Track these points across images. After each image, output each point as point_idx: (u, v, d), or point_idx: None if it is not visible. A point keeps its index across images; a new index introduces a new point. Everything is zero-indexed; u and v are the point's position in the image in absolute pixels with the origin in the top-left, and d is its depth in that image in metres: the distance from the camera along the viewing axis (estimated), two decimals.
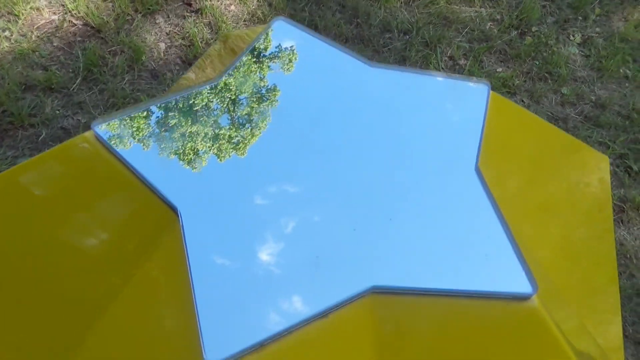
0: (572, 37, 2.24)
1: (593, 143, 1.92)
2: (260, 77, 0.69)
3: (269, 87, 0.66)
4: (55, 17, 2.07)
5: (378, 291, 0.51)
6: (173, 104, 0.64)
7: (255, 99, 0.64)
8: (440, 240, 0.58)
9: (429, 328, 0.52)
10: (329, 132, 0.64)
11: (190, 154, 0.58)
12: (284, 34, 0.74)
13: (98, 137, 0.62)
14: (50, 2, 2.10)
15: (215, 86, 0.65)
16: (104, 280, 0.53)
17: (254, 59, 0.70)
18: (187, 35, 2.07)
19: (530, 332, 0.50)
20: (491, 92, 0.74)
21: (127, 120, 0.61)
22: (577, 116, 1.99)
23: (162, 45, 2.05)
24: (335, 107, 0.68)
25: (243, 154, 0.59)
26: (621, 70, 2.13)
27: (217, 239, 0.53)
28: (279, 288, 0.51)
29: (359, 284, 0.50)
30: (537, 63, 2.13)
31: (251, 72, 0.69)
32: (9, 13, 2.04)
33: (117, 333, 0.50)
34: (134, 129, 0.61)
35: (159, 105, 0.65)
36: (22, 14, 2.03)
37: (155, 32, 2.08)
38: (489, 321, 0.53)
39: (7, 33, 1.99)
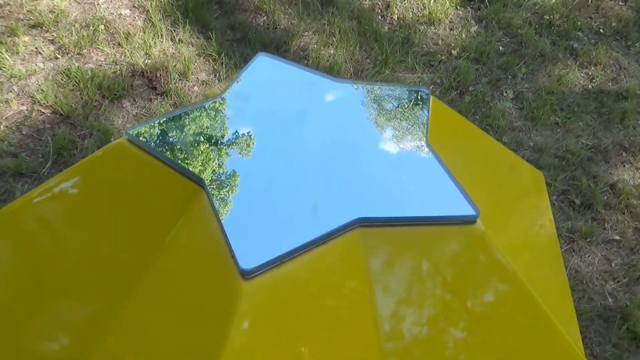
0: (505, 94, 2.49)
1: None
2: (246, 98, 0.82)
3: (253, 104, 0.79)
4: (23, 107, 2.16)
5: (363, 223, 0.63)
6: (192, 113, 0.76)
7: (246, 113, 0.78)
8: (398, 182, 0.71)
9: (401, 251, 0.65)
10: (307, 130, 0.77)
11: (208, 145, 0.70)
12: (266, 66, 0.88)
13: (130, 139, 0.71)
14: (18, 95, 2.20)
15: (215, 102, 0.77)
16: (141, 245, 0.61)
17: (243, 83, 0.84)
18: (153, 115, 2.19)
19: (477, 251, 0.63)
20: (432, 97, 0.89)
21: (154, 125, 0.72)
22: None
23: (130, 127, 2.15)
24: (310, 112, 0.81)
25: (247, 150, 0.71)
26: (551, 118, 2.37)
27: (237, 196, 0.64)
28: (288, 219, 0.62)
29: (348, 217, 0.62)
30: (478, 117, 2.35)
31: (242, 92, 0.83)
32: None
33: (164, 283, 0.57)
34: (160, 131, 0.71)
35: (179, 114, 0.76)
36: None
37: (123, 115, 2.20)
38: (446, 243, 0.64)
39: None
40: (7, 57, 2.30)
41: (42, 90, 2.20)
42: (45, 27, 2.48)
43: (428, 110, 0.79)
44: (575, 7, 3.00)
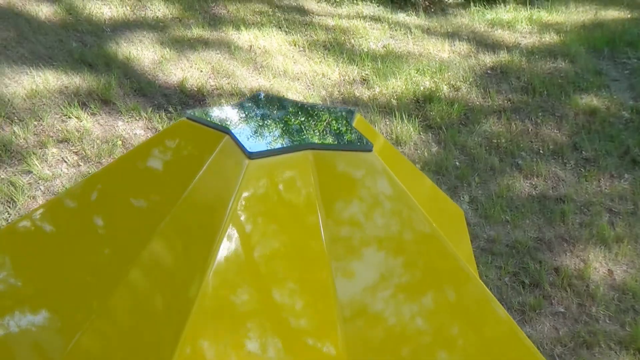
0: (462, 198, 2.91)
1: (491, 267, 2.40)
2: None
3: None
4: None
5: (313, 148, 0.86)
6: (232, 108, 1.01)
7: None
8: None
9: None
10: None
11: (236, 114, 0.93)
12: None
13: (188, 117, 0.95)
14: (44, 193, 2.56)
15: None
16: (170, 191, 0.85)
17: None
18: None
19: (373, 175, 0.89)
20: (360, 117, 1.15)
21: (210, 109, 0.96)
22: (475, 249, 2.51)
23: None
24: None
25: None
26: (502, 217, 2.76)
27: (251, 135, 0.86)
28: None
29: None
30: None
31: None
32: (7, 200, 2.46)
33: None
34: (208, 112, 0.95)
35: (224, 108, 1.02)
36: (20, 201, 2.46)
37: None
38: (351, 166, 0.89)
39: (5, 215, 2.37)
40: (37, 163, 2.71)
41: (65, 189, 2.56)
42: (72, 142, 2.94)
43: (352, 121, 1.08)
44: (518, 134, 3.58)
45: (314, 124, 1.01)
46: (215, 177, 0.84)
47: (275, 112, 1.05)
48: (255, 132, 0.92)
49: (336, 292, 0.80)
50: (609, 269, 2.44)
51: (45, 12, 4.54)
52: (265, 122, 0.98)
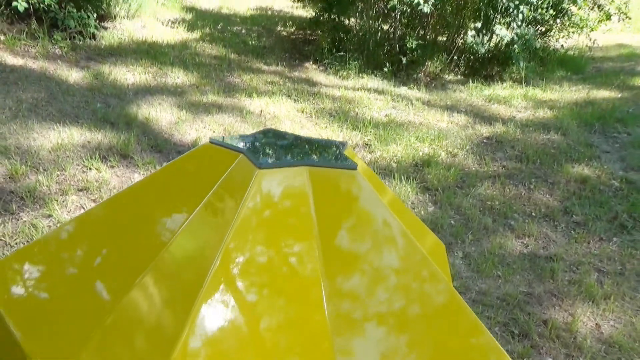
0: (455, 254, 3.04)
1: (482, 317, 2.49)
2: None
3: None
4: None
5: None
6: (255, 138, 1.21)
7: None
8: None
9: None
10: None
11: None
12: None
13: (211, 141, 1.14)
14: None
15: None
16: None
17: None
18: None
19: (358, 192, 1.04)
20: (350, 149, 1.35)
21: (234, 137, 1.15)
22: (467, 300, 2.61)
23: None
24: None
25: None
26: (493, 272, 2.87)
27: (260, 155, 1.04)
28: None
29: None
30: None
31: None
32: (27, 241, 2.63)
33: None
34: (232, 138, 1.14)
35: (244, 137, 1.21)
36: None
37: None
38: (337, 179, 1.07)
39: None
40: (57, 208, 2.91)
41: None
42: (90, 190, 3.15)
43: (343, 150, 1.29)
44: (512, 197, 3.76)
45: (311, 149, 1.21)
46: (233, 182, 1.03)
47: (280, 141, 1.26)
48: (264, 153, 1.12)
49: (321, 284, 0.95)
50: (596, 323, 2.52)
51: (74, 76, 4.95)
52: (272, 147, 1.18)
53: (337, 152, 1.19)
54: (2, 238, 2.61)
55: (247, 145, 1.14)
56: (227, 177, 1.02)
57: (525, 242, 3.22)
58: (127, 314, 0.99)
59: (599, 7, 7.67)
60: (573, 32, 7.66)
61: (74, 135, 3.73)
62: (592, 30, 7.67)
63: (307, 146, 1.22)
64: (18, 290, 1.03)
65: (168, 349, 0.82)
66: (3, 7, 5.49)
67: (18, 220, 2.78)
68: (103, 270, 1.09)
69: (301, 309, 0.89)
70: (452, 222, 3.37)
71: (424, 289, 1.03)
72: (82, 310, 1.04)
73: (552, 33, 7.71)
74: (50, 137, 3.66)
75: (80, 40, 5.84)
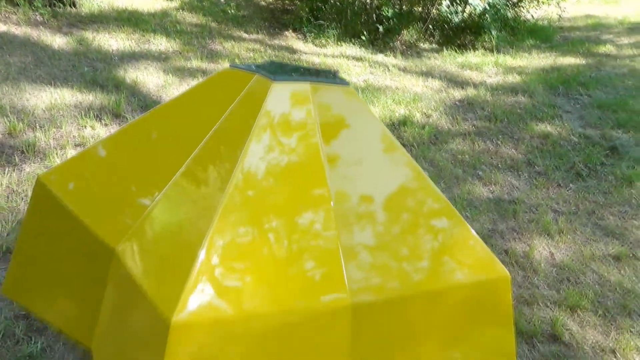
0: None
1: None
2: None
3: None
4: None
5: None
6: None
7: None
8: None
9: None
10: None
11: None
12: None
13: (230, 66, 1.37)
14: None
15: None
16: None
17: None
18: None
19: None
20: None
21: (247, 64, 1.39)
22: None
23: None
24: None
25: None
26: (462, 213, 3.18)
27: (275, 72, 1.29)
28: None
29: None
30: None
31: None
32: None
33: None
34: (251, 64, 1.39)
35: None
36: None
37: None
38: (333, 92, 1.33)
39: None
40: (58, 160, 3.09)
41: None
42: (87, 145, 3.33)
43: (337, 74, 1.54)
44: (480, 152, 4.07)
45: (311, 72, 1.46)
46: (254, 91, 1.28)
47: (285, 67, 1.51)
48: (275, 73, 1.36)
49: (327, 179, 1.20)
50: (550, 252, 2.86)
51: (58, 42, 5.03)
52: (280, 69, 1.43)
53: (331, 74, 1.45)
54: (10, 186, 2.79)
55: (260, 68, 1.38)
56: (249, 89, 1.25)
57: (491, 189, 3.54)
58: (159, 214, 1.22)
59: None
60: (543, 3, 7.97)
61: (66, 96, 3.87)
62: (562, 1, 8.00)
63: (307, 70, 1.47)
64: (75, 186, 1.26)
65: (197, 243, 1.00)
66: None
67: (21, 171, 2.96)
68: (139, 175, 1.31)
69: (307, 185, 1.13)
70: (426, 173, 3.66)
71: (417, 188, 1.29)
72: (122, 207, 1.26)
73: (523, 3, 8.00)
74: (43, 97, 3.79)
75: (60, 8, 5.88)
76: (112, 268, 1.09)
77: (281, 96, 1.24)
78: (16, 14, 5.47)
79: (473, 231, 1.19)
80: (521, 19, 8.13)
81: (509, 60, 6.79)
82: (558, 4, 7.87)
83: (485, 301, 1.08)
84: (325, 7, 7.35)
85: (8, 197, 2.73)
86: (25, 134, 3.31)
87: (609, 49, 7.61)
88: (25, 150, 3.12)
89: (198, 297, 0.88)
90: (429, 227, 1.17)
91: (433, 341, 1.07)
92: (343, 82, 1.34)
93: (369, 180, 1.20)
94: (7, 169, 2.93)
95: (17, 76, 4.08)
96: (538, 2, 8.01)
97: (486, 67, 6.40)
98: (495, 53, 7.03)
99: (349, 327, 0.94)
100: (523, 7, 8.10)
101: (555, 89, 5.63)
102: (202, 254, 0.94)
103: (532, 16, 8.23)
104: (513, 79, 5.98)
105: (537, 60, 6.92)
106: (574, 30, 9.05)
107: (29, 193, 2.79)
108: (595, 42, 8.05)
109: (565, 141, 4.33)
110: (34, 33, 5.14)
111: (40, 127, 3.42)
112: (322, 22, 7.01)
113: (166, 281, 0.94)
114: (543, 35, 8.11)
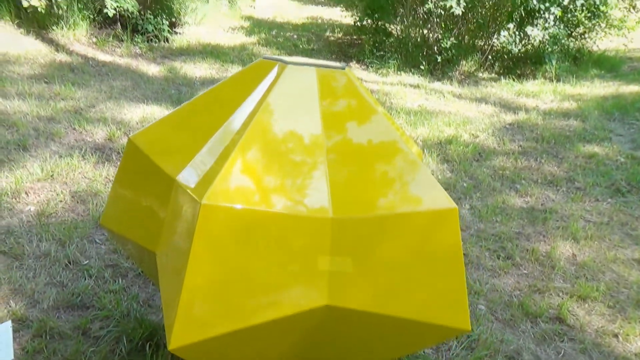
0: (463, 206, 3.62)
1: (475, 245, 3.07)
2: None
3: None
4: None
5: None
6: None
7: None
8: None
9: None
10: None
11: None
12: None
13: (264, 57, 1.90)
14: None
15: None
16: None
17: None
18: None
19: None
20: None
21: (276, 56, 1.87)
22: (466, 235, 3.20)
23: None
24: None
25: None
26: (493, 218, 3.44)
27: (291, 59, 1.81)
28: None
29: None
30: None
31: None
32: None
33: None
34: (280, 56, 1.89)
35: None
36: None
37: None
38: (332, 73, 1.76)
39: None
40: None
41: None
42: None
43: (344, 67, 1.97)
44: (522, 168, 4.29)
45: (319, 63, 1.92)
46: (274, 74, 1.75)
47: (302, 59, 1.99)
48: (293, 62, 1.83)
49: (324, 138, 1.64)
50: (573, 253, 3.04)
51: (152, 70, 5.91)
52: (297, 61, 1.91)
53: (340, 67, 1.90)
54: (108, 177, 3.46)
55: (282, 60, 1.85)
56: (276, 73, 1.72)
57: (526, 200, 3.76)
58: (207, 150, 1.70)
59: (634, 7, 7.95)
60: (610, 34, 7.96)
61: (155, 111, 4.61)
62: (630, 31, 7.95)
63: (318, 61, 1.93)
64: (153, 142, 1.78)
65: (224, 159, 1.48)
66: (95, 15, 6.57)
67: (117, 167, 3.63)
68: (197, 130, 1.80)
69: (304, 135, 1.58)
70: (464, 184, 3.95)
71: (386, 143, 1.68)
72: (184, 152, 1.76)
73: (588, 34, 8.04)
74: (137, 112, 4.55)
75: (156, 43, 6.85)
76: (173, 191, 1.57)
77: (292, 74, 1.70)
78: (120, 48, 6.47)
79: (430, 174, 1.55)
80: (586, 50, 8.16)
81: (568, 88, 6.88)
82: (625, 35, 7.84)
83: (437, 228, 1.42)
84: (388, 40, 7.87)
85: (106, 185, 3.38)
86: (121, 139, 4.02)
87: None
88: (120, 152, 3.81)
89: (222, 190, 1.35)
90: (395, 170, 1.55)
91: (395, 257, 1.43)
92: (340, 67, 1.78)
93: (354, 132, 1.61)
94: (106, 164, 3.61)
95: (118, 96, 4.90)
96: (605, 32, 8.02)
97: (543, 95, 6.54)
98: (554, 82, 7.14)
99: (329, 232, 1.35)
100: (589, 39, 8.14)
101: (611, 114, 5.68)
102: (226, 164, 1.42)
103: (598, 47, 8.23)
104: (569, 105, 6.09)
105: (599, 88, 6.94)
106: None
107: None
108: None
109: (610, 161, 4.43)
110: (133, 63, 6.06)
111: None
112: (383, 53, 7.52)
113: (203, 182, 1.42)
114: (609, 65, 8.08)
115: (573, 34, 7.79)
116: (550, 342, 2.32)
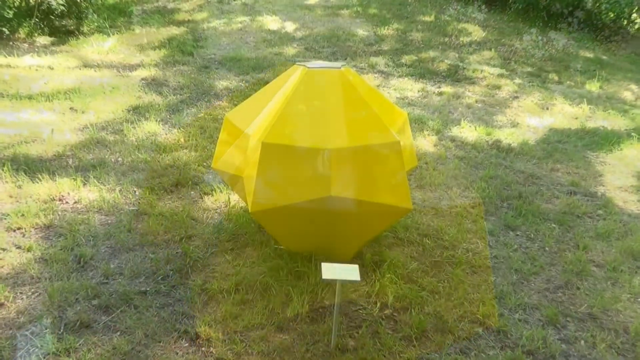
0: None
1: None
2: None
3: None
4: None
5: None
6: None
7: None
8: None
9: None
10: None
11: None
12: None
13: (296, 63, 2.77)
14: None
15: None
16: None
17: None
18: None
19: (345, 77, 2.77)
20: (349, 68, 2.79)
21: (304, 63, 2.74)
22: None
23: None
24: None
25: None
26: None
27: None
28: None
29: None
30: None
31: None
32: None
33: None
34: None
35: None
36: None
37: None
38: (329, 74, 2.78)
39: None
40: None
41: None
42: None
43: (344, 66, 2.69)
44: None
45: (331, 66, 2.71)
46: (298, 75, 2.64)
47: (321, 64, 2.77)
48: (314, 66, 2.58)
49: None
50: None
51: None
52: (317, 66, 2.66)
53: (337, 65, 2.71)
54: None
55: (306, 64, 2.66)
56: (298, 72, 2.63)
57: None
58: (270, 116, 2.68)
59: None
60: None
61: None
62: None
63: (329, 65, 2.78)
64: (240, 114, 2.81)
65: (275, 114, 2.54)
66: None
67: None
68: (263, 104, 2.75)
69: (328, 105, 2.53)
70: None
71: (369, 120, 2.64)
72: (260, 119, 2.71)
73: None
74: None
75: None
76: (250, 139, 2.66)
77: (312, 76, 2.67)
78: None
79: (390, 130, 2.54)
80: None
81: None
82: None
83: (388, 155, 2.56)
84: None
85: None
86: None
87: None
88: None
89: (275, 133, 2.53)
90: (369, 124, 2.64)
91: (366, 168, 2.56)
92: (337, 66, 2.65)
93: (358, 103, 2.67)
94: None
95: None
96: None
97: None
98: None
99: (335, 157, 2.49)
100: None
101: None
102: (276, 118, 2.57)
103: None
104: None
105: None
106: None
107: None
108: None
109: None
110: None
111: None
112: None
113: (259, 129, 2.52)
114: None
115: None
116: None
